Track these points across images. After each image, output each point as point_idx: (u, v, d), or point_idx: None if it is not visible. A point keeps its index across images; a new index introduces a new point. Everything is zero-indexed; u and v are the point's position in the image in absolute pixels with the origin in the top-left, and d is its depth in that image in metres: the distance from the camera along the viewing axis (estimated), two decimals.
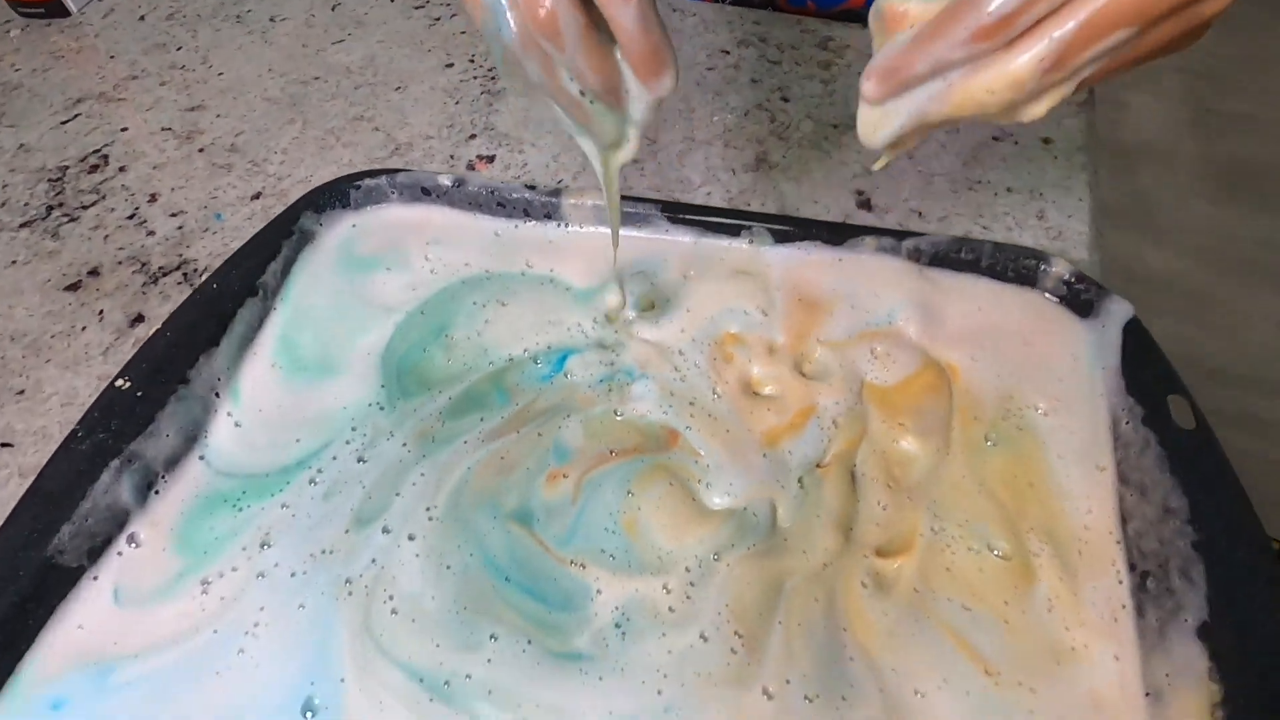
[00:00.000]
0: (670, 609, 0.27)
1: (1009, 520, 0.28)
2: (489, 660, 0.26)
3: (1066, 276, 0.34)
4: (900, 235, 0.35)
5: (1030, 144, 0.46)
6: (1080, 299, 0.33)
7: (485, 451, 0.31)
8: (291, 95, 0.53)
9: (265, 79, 0.54)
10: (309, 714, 0.24)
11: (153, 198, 0.48)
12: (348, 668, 0.25)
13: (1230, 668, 0.22)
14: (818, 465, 0.30)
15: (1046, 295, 0.34)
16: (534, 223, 0.39)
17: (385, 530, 0.29)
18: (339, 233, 0.39)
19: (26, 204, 0.49)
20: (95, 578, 0.27)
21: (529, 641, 0.26)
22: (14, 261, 0.45)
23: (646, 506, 0.29)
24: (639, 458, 0.31)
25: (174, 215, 0.48)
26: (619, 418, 0.32)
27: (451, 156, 0.48)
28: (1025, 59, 0.19)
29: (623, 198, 0.37)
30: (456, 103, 0.52)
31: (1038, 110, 0.20)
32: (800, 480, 0.30)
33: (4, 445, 0.36)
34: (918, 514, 0.29)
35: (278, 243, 0.37)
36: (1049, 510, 0.28)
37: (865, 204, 0.43)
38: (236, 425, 0.32)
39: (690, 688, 0.25)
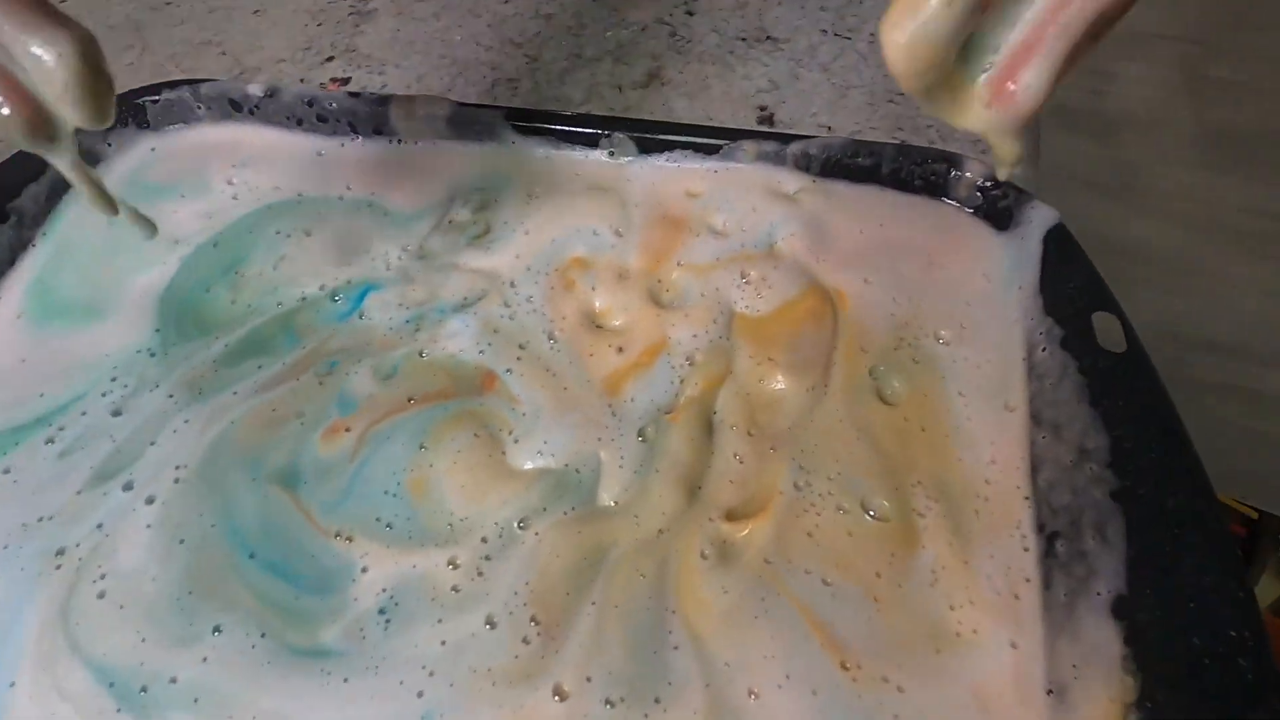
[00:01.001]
0: (454, 588, 0.21)
1: (892, 473, 0.22)
2: (205, 659, 0.20)
3: (981, 181, 0.28)
4: (786, 139, 0.29)
5: None
6: (997, 207, 0.27)
7: (257, 402, 0.25)
8: (136, 21, 0.47)
9: (112, 3, 0.48)
10: None
11: None
12: (25, 668, 0.20)
13: (1150, 655, 0.17)
14: (666, 413, 0.24)
15: (958, 205, 0.28)
16: (361, 140, 0.32)
17: (126, 487, 0.23)
18: (134, 157, 0.33)
19: None
20: None
21: (261, 635, 0.20)
22: None
23: (441, 463, 0.23)
24: (442, 403, 0.25)
25: None
26: (423, 358, 0.26)
27: (301, 80, 0.41)
28: None
29: (463, 105, 0.31)
30: (319, 24, 0.45)
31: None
32: (641, 432, 0.24)
33: None
34: (780, 467, 0.23)
35: (43, 164, 0.30)
36: (943, 460, 0.23)
37: (768, 119, 0.37)
38: None
39: (461, 687, 0.19)
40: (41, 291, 0.29)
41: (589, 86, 0.40)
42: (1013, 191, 0.27)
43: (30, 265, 0.29)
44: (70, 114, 0.20)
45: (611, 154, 0.30)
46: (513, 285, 0.27)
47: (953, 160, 0.28)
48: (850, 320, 0.26)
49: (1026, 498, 0.22)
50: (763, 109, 0.38)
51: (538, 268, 0.28)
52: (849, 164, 0.29)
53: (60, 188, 0.31)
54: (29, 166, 0.30)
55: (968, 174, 0.28)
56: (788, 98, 0.39)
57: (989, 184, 0.27)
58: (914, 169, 0.28)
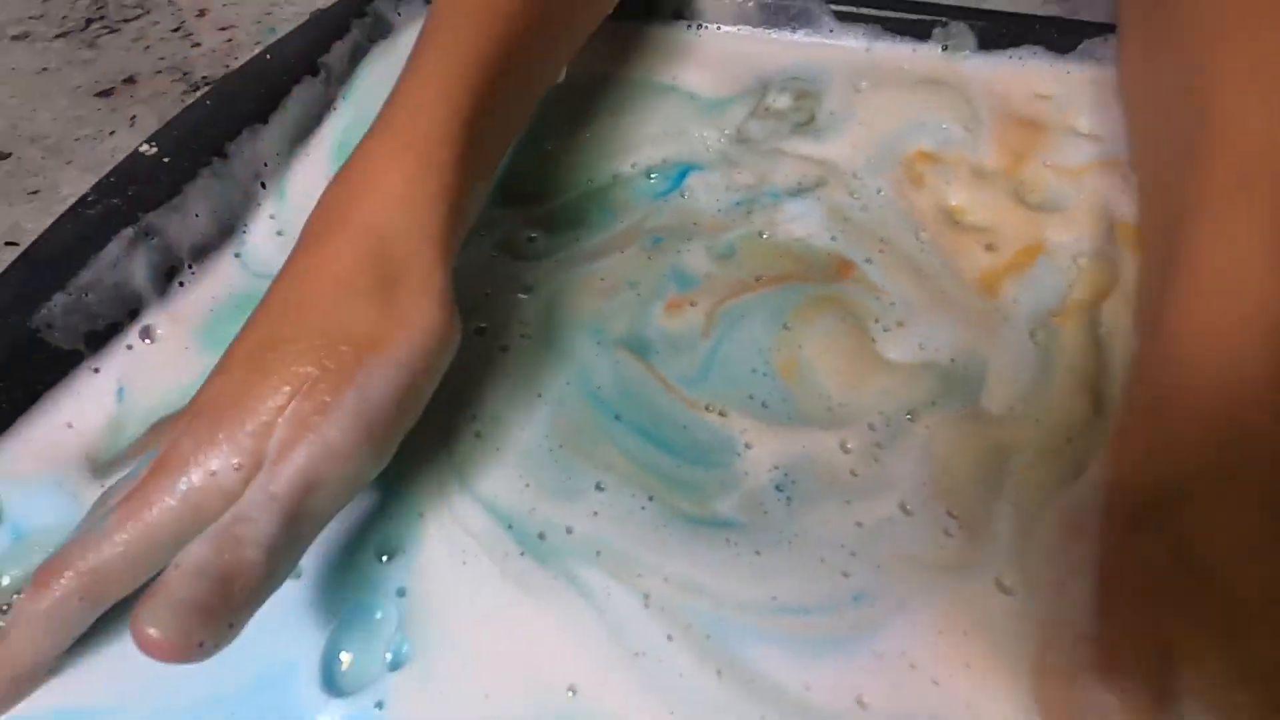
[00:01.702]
0: (852, 473, 0.19)
1: None
2: (595, 514, 0.19)
3: None
4: None
5: None
6: None
7: (584, 270, 0.24)
8: None
9: None
10: (384, 557, 0.18)
11: (201, 12, 0.42)
12: (425, 500, 0.19)
13: None
14: (1054, 316, 0.22)
15: None
16: (659, 23, 0.31)
17: (479, 331, 0.22)
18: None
19: (65, 16, 0.43)
20: (96, 369, 0.21)
21: (649, 497, 0.19)
22: (44, 69, 0.40)
23: (810, 346, 0.22)
24: (797, 284, 0.23)
25: (223, 29, 0.41)
26: (763, 239, 0.24)
27: None
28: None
29: None
30: None
31: None
32: (1033, 334, 0.22)
33: (9, 244, 0.30)
34: None
35: (347, 21, 0.30)
36: None
37: None
38: (279, 234, 0.25)
39: (888, 570, 0.17)
40: (343, 157, 0.28)
41: None
42: None
43: (333, 127, 0.28)
44: None
45: (945, 47, 0.28)
46: (855, 176, 0.25)
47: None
48: None
49: None
50: None
51: (880, 160, 0.26)
52: None
53: (362, 48, 0.30)
54: (337, 24, 0.29)
55: None
56: None
57: None
58: None
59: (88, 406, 0.20)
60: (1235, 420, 0.15)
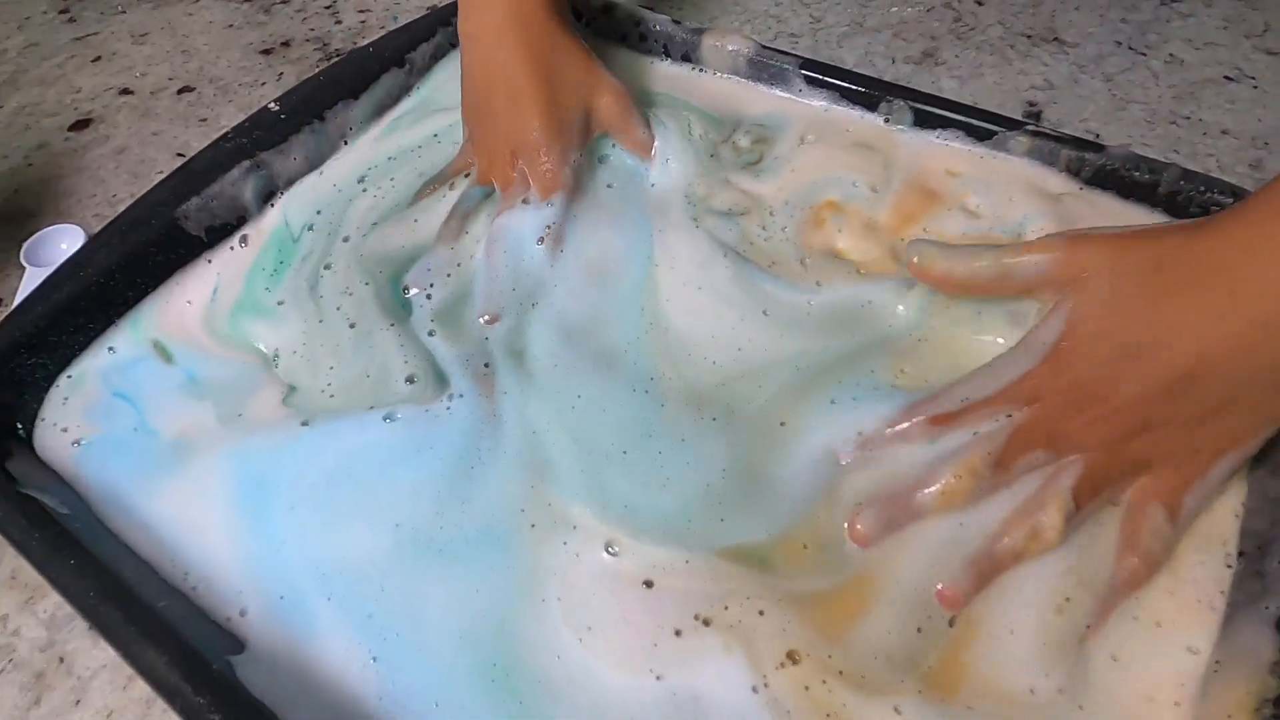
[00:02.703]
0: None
1: None
2: None
3: None
4: (1065, 141, 0.30)
5: (1276, 89, 0.37)
6: None
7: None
8: None
9: None
10: None
11: None
12: None
13: None
14: None
15: None
16: (668, 62, 0.38)
17: None
18: None
19: None
20: (209, 261, 0.31)
21: None
22: (230, 25, 0.52)
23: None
24: None
25: (361, 12, 0.52)
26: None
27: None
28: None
29: (765, 47, 0.35)
30: None
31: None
32: None
33: (179, 155, 0.42)
34: None
35: (435, 27, 0.39)
36: None
37: (1034, 116, 0.38)
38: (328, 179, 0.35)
39: None
40: (398, 129, 0.37)
41: (864, 53, 0.43)
42: None
43: (402, 108, 0.38)
44: None
45: (888, 120, 0.33)
46: (771, 212, 0.31)
47: (1239, 195, 0.28)
48: None
49: (1236, 516, 0.22)
50: (1032, 105, 0.39)
51: (796, 202, 0.32)
52: (1124, 176, 0.29)
53: (444, 50, 0.39)
54: (427, 28, 0.38)
55: None
56: (1061, 99, 0.39)
57: None
58: (1194, 195, 0.28)
59: (199, 290, 0.30)
60: None
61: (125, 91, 0.47)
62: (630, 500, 0.23)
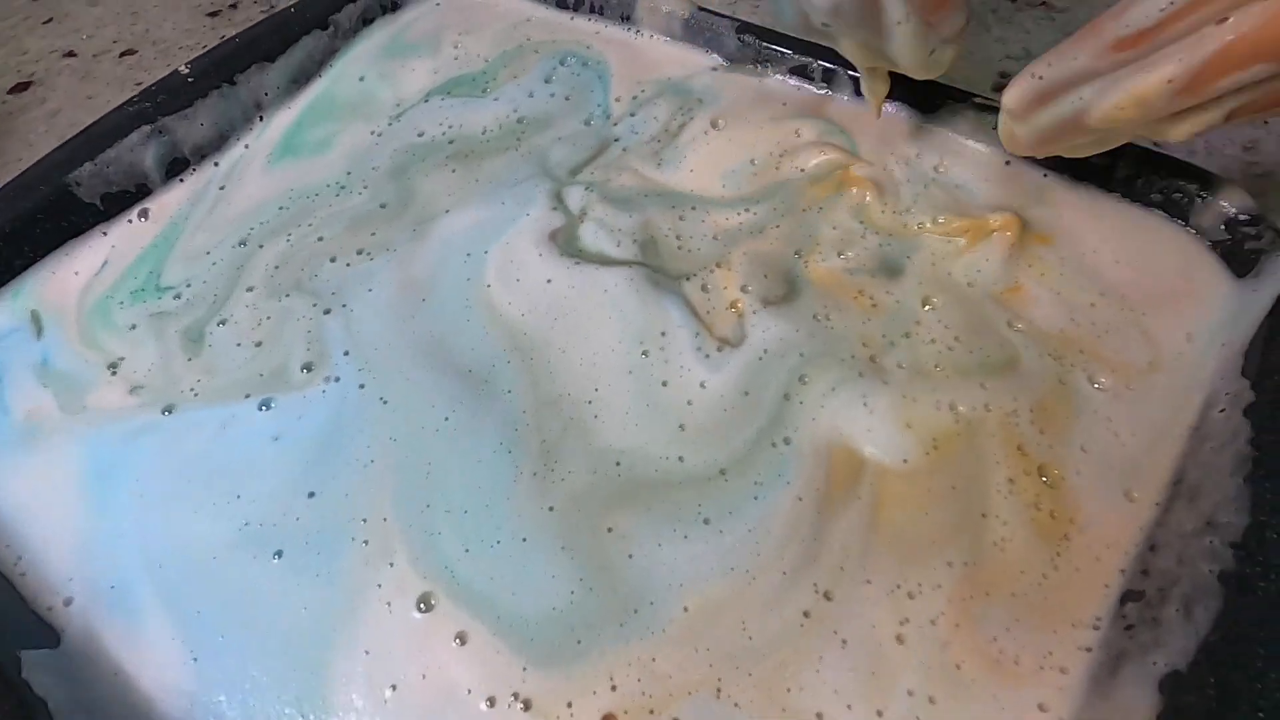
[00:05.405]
0: None
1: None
2: None
3: (1232, 213, 0.24)
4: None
5: None
6: (1243, 248, 0.24)
7: None
8: None
9: None
10: None
11: None
12: None
13: None
14: None
15: (1195, 234, 0.25)
16: (606, 24, 0.35)
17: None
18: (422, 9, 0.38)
19: None
20: (104, 234, 0.30)
21: None
22: None
23: None
24: None
25: None
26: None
27: None
28: (1152, 77, 0.18)
29: (701, 9, 0.32)
30: None
31: (1177, 133, 0.19)
32: None
33: None
34: None
35: None
36: None
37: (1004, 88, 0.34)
38: (245, 147, 0.33)
39: None
40: (323, 102, 0.35)
41: None
42: (1270, 233, 0.24)
43: (326, 75, 0.36)
44: None
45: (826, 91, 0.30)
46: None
47: (1206, 180, 0.25)
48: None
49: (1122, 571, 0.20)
50: (1003, 76, 0.35)
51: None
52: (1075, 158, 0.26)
53: (372, 13, 0.37)
54: None
55: (1219, 201, 0.25)
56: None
57: (1243, 217, 0.24)
58: (1154, 180, 0.25)
59: (89, 262, 0.29)
60: None
61: (69, 54, 0.46)
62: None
